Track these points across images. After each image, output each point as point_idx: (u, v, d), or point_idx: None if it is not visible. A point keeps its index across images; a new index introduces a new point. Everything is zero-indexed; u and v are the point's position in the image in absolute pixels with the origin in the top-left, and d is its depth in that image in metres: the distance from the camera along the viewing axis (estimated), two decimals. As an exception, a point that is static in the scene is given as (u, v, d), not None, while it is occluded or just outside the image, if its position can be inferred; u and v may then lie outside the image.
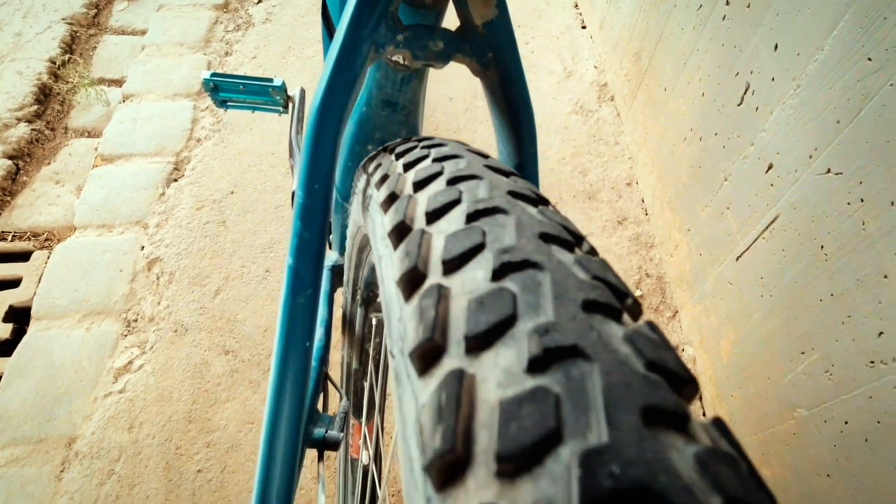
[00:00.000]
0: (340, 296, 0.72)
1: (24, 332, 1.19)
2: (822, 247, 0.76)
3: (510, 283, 0.20)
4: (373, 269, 0.58)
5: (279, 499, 0.42)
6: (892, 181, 0.64)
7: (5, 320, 1.25)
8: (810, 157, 0.77)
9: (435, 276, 0.22)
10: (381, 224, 0.29)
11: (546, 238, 0.23)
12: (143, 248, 1.29)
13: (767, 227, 0.88)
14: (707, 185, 1.07)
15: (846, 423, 0.73)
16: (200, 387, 1.11)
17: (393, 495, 0.99)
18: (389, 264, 0.25)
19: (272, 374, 0.41)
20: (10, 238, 1.38)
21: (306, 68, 1.70)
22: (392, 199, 0.29)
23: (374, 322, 0.69)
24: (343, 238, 0.74)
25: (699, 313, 1.12)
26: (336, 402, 0.89)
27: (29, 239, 1.38)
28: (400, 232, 0.26)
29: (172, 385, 1.10)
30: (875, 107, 0.66)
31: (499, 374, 0.18)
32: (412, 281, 0.23)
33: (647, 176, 1.38)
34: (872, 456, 0.68)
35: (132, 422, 1.06)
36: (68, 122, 1.58)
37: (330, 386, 0.65)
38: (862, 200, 0.69)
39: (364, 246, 0.52)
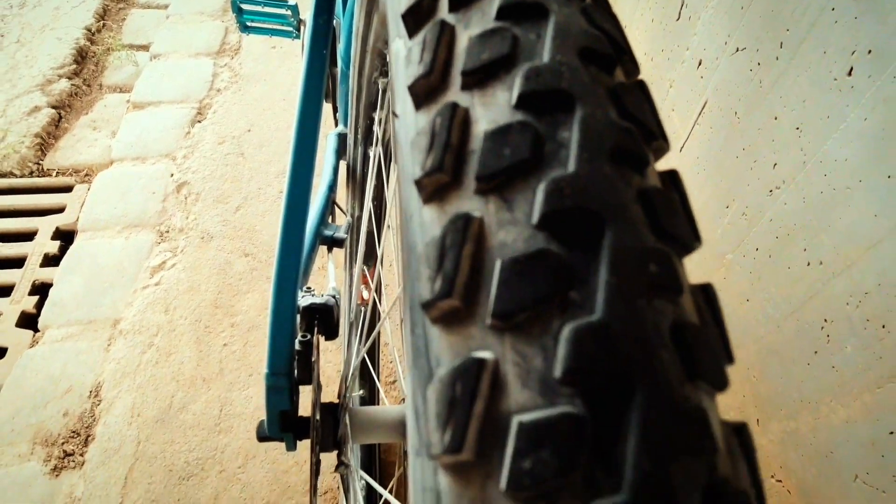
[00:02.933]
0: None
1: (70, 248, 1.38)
2: (736, 112, 0.93)
3: (513, 26, 0.20)
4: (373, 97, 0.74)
5: (293, 280, 0.50)
6: (775, 41, 0.82)
7: (53, 238, 1.43)
8: (725, 43, 0.95)
9: (442, 13, 0.22)
10: None
11: None
12: (172, 175, 1.48)
13: (700, 113, 1.05)
14: (657, 95, 1.24)
15: (756, 249, 0.89)
16: (224, 281, 1.28)
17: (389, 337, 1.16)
18: None
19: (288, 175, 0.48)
20: (54, 174, 1.57)
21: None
22: None
23: (370, 156, 0.86)
24: (347, 109, 0.91)
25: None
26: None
27: (71, 175, 1.57)
28: None
29: (200, 279, 1.28)
30: (764, -13, 0.84)
31: (490, 109, 0.19)
32: (417, 17, 0.22)
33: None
34: (774, 267, 0.85)
35: (167, 306, 1.23)
36: (102, 79, 1.78)
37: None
38: (759, 64, 0.86)
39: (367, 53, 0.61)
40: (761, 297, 0.88)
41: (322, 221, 0.74)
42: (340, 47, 0.88)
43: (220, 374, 1.14)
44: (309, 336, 0.52)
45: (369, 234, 0.94)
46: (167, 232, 1.37)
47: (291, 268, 0.48)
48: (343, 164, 0.94)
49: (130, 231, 1.37)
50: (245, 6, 1.07)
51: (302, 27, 1.17)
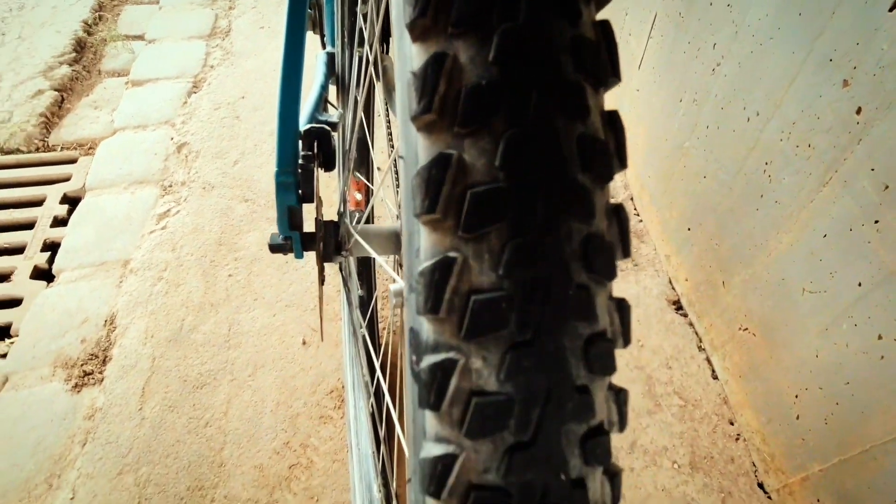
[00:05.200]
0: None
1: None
2: (679, 13, 1.04)
3: None
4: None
5: (295, 89, 0.63)
6: (706, -63, 0.93)
7: (61, 203, 1.51)
8: (666, -45, 1.07)
9: None
10: None
11: None
12: (172, 138, 1.57)
13: (651, 27, 1.16)
14: (616, 23, 1.36)
15: (707, 127, 0.99)
16: (227, 223, 1.36)
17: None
18: None
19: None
20: (59, 149, 1.66)
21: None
22: None
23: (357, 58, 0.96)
24: (333, 30, 1.01)
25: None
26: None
27: (75, 149, 1.66)
28: None
29: (204, 222, 1.36)
30: None
31: None
32: None
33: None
34: (721, 136, 0.95)
35: (174, 246, 1.31)
36: (101, 66, 1.88)
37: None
38: (694, -37, 0.97)
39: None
40: (714, 168, 0.98)
41: (317, 109, 0.83)
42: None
43: (226, 300, 1.22)
44: (310, 153, 0.60)
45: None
46: (170, 186, 1.45)
47: (293, 84, 0.58)
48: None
49: (136, 187, 1.45)
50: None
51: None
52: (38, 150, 1.64)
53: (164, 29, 1.96)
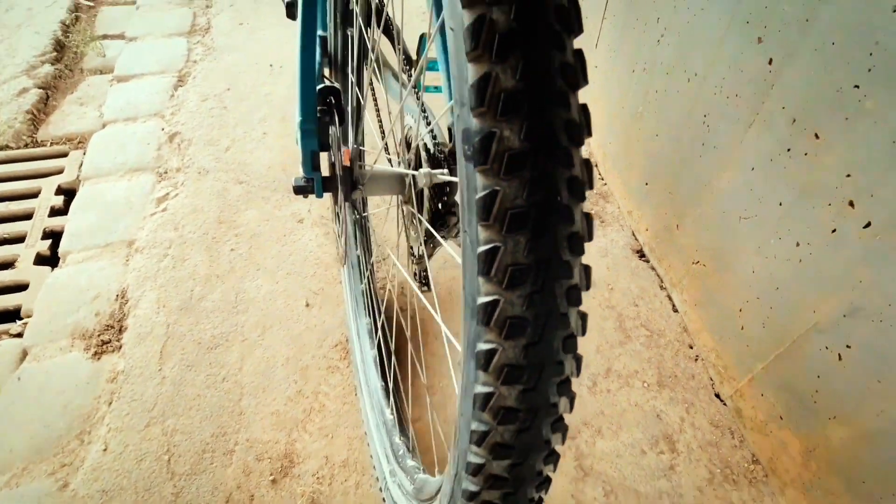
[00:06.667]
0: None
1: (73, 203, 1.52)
2: (630, -7, 1.19)
3: None
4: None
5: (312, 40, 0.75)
6: (647, -73, 1.09)
7: (56, 194, 1.57)
8: (615, -56, 1.22)
9: None
10: None
11: None
12: (163, 129, 1.64)
13: (605, 9, 1.31)
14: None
15: (656, 91, 1.14)
16: (224, 202, 1.45)
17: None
18: None
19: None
20: (48, 144, 1.71)
21: (275, 12, 2.11)
22: None
23: (349, 35, 1.07)
24: (325, 14, 1.12)
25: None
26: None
27: (65, 143, 1.71)
28: None
29: (202, 203, 1.44)
30: None
31: None
32: None
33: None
34: (667, 97, 1.10)
35: (176, 225, 1.39)
36: (83, 65, 1.93)
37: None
38: (638, -51, 1.13)
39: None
40: (665, 127, 1.13)
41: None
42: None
43: (231, 271, 1.31)
44: (325, 108, 0.72)
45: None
46: (166, 172, 1.53)
47: (310, 48, 0.70)
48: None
49: (132, 175, 1.52)
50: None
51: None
52: (27, 146, 1.69)
53: (144, 27, 2.02)
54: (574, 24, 0.30)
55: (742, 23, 0.85)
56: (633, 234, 1.36)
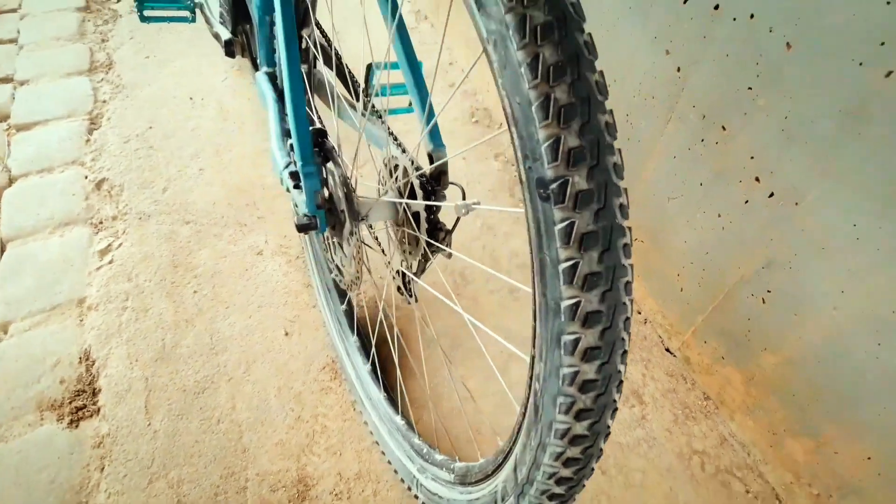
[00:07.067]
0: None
1: (-1, 257, 1.40)
2: None
3: None
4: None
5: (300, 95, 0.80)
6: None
7: (-28, 261, 1.43)
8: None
9: None
10: None
11: None
12: (86, 176, 1.56)
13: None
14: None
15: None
16: (175, 245, 1.42)
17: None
18: None
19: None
20: (-53, 208, 1.54)
21: (181, 40, 2.04)
22: None
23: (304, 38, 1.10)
24: (268, 51, 1.15)
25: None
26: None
27: (-33, 205, 1.55)
28: None
29: (152, 249, 1.40)
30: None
31: None
32: None
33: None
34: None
35: (129, 275, 1.34)
36: (-32, 116, 1.75)
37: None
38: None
39: None
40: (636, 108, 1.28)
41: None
42: (253, 3, 1.12)
43: (199, 314, 1.29)
44: (318, 149, 0.77)
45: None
46: (101, 222, 1.46)
47: (299, 93, 0.75)
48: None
49: (62, 229, 1.43)
50: (145, -1, 1.24)
51: (198, 11, 1.36)
52: (-79, 213, 1.52)
53: (35, 68, 1.87)
54: (605, 91, 0.41)
55: (651, 38, 1.02)
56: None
